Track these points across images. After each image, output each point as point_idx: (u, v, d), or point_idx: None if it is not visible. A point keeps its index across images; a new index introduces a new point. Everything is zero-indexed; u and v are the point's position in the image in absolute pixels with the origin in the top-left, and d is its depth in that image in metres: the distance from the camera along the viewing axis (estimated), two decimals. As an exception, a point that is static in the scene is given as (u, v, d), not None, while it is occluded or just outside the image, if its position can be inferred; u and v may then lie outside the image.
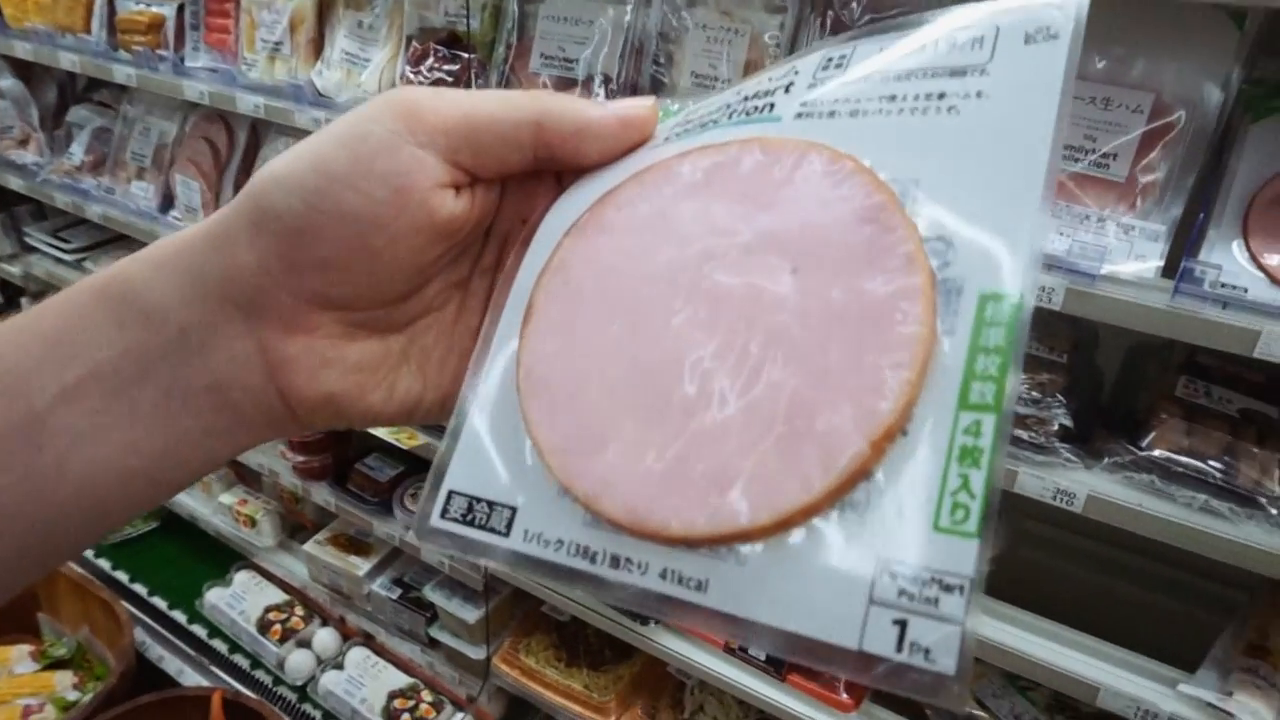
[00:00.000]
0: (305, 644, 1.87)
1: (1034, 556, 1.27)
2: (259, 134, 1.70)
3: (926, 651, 0.22)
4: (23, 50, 1.75)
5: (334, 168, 0.31)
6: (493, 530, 0.31)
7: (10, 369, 0.29)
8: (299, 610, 1.93)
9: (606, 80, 1.12)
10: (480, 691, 1.68)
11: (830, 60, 0.34)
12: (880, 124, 0.30)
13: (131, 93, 1.83)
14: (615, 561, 0.28)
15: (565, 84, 1.15)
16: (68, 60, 1.67)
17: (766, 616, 0.25)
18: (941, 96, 0.30)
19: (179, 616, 2.02)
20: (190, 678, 1.86)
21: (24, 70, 1.90)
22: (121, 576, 2.12)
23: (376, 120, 0.31)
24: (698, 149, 0.34)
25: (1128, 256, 0.85)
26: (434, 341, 0.37)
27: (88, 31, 1.70)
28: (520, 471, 0.31)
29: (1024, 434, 0.94)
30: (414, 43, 1.33)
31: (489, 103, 0.33)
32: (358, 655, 1.82)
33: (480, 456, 0.32)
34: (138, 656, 1.87)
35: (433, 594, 1.69)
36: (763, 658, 1.30)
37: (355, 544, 1.90)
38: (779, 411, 0.27)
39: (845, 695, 1.24)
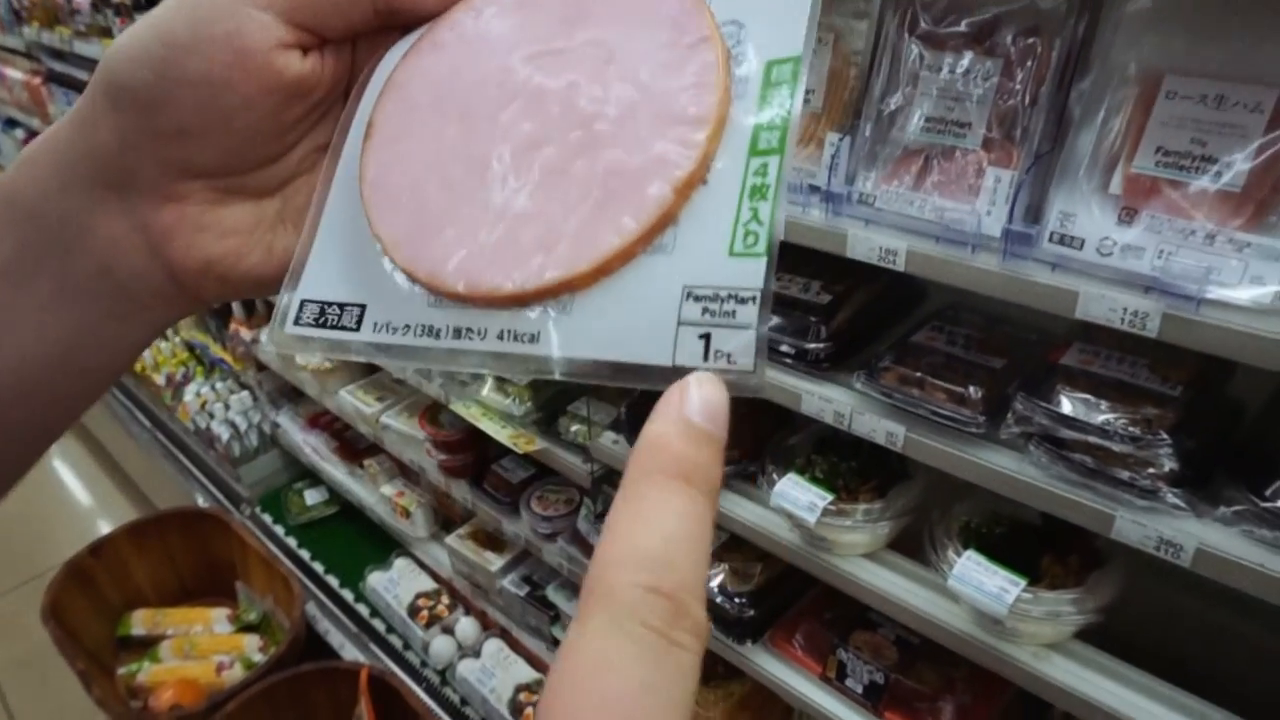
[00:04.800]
0: (449, 631, 2.00)
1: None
2: None
3: (729, 356, 0.26)
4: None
5: (177, 35, 0.31)
6: (344, 328, 0.34)
7: None
8: (445, 599, 2.07)
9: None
10: (598, 693, 1.72)
11: None
12: None
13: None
14: (458, 333, 0.31)
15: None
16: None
17: (591, 352, 0.28)
18: None
19: (347, 595, 2.22)
20: (350, 651, 2.04)
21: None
22: (304, 554, 2.37)
23: None
24: None
25: (1241, 279, 0.74)
26: (306, 202, 0.37)
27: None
28: (368, 273, 0.34)
29: (1123, 473, 0.84)
30: None
31: None
32: (493, 646, 1.92)
33: (329, 266, 0.35)
34: (308, 628, 2.08)
35: (554, 595, 1.75)
36: (859, 690, 1.24)
37: (493, 540, 2.00)
38: (596, 179, 0.30)
39: (945, 740, 1.16)
